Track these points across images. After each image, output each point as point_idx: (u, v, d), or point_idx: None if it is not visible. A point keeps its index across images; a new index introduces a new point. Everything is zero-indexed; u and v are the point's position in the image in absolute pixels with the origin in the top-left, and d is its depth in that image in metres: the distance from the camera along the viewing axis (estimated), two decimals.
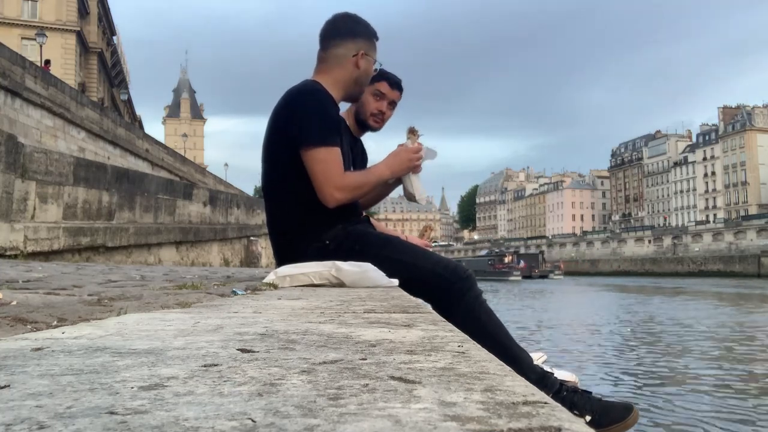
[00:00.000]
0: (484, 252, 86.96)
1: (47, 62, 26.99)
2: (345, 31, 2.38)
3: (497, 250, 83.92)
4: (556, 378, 2.11)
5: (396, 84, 2.72)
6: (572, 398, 2.02)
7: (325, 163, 2.19)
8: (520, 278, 58.63)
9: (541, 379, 2.01)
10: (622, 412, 2.03)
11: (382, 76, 2.67)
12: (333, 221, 2.28)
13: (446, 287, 2.09)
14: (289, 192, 2.32)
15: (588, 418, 1.98)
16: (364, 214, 2.56)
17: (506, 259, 68.55)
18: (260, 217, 16.99)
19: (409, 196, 2.57)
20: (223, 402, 0.53)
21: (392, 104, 2.74)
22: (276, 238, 2.40)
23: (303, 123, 2.23)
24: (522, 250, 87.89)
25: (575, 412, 1.96)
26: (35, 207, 6.30)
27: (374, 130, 2.77)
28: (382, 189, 2.64)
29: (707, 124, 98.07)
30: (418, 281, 2.14)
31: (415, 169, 2.48)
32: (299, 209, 2.30)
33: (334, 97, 2.34)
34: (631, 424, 2.03)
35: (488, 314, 2.10)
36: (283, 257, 2.36)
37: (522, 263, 67.04)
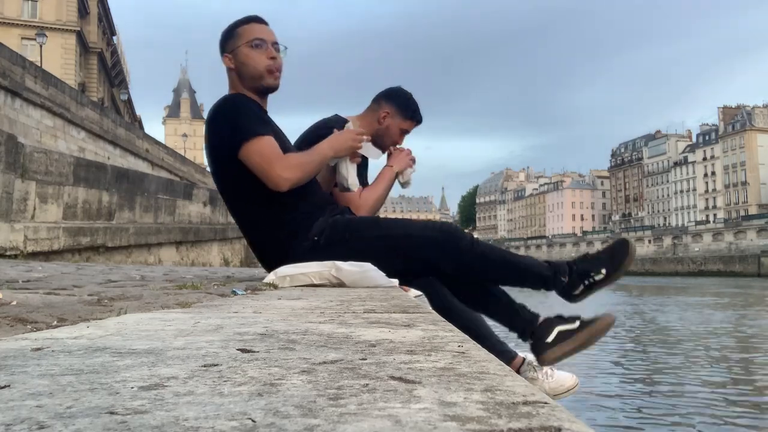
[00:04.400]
0: None
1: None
2: (220, 52, 2.45)
3: None
4: (564, 264, 2.19)
5: (419, 123, 2.85)
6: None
7: (259, 151, 2.21)
8: None
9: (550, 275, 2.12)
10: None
11: (416, 116, 2.76)
12: (312, 217, 2.28)
13: (440, 245, 2.14)
14: (253, 203, 2.32)
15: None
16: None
17: None
18: None
19: (341, 182, 2.54)
20: (223, 402, 0.53)
21: (404, 132, 2.83)
22: (259, 249, 2.41)
23: (226, 131, 2.26)
24: (522, 251, 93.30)
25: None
26: (35, 207, 6.30)
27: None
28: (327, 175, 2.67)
29: (707, 124, 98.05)
30: (414, 250, 2.18)
31: (353, 156, 2.50)
32: (273, 217, 2.29)
33: (257, 102, 2.38)
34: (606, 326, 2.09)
35: (487, 246, 2.18)
36: (272, 264, 2.33)
37: None
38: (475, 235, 2.29)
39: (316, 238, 2.25)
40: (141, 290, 2.26)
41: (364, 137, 2.48)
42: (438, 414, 0.49)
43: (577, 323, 2.07)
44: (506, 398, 0.55)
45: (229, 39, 2.41)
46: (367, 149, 2.52)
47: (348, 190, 2.53)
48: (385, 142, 2.70)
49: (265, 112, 2.42)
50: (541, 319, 2.10)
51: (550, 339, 2.04)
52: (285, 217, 2.28)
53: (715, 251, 66.81)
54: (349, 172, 2.51)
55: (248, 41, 2.35)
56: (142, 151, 25.93)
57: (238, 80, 2.39)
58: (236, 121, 2.25)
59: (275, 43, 2.39)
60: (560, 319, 2.09)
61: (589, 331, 2.06)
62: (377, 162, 2.73)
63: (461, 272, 2.14)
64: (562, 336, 2.04)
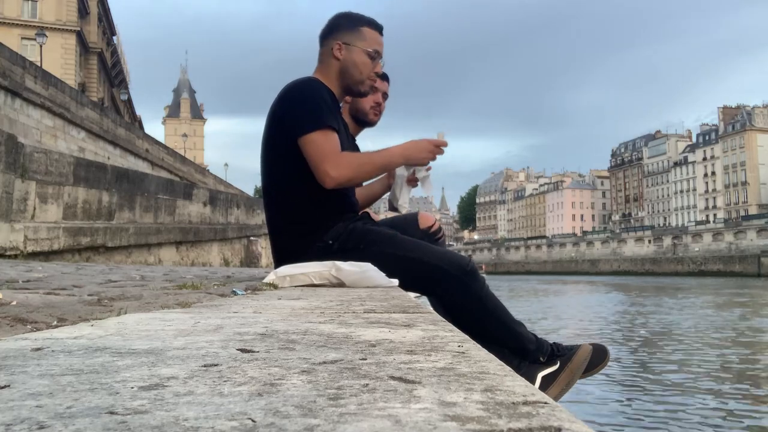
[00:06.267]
0: None
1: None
2: (328, 28, 2.41)
3: None
4: (548, 342, 2.20)
5: (384, 76, 2.74)
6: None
7: (318, 143, 2.19)
8: None
9: (539, 347, 2.14)
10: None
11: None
12: (333, 220, 2.28)
13: (450, 280, 2.11)
14: (288, 191, 2.31)
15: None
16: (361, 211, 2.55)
17: None
18: (260, 217, 16.99)
19: (393, 201, 2.54)
20: (223, 402, 0.53)
21: (384, 96, 2.76)
22: (276, 239, 2.39)
23: (296, 113, 2.25)
24: (522, 251, 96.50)
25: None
26: (35, 207, 6.30)
27: (373, 123, 2.81)
28: (377, 188, 2.67)
29: (707, 124, 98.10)
30: (424, 276, 2.16)
31: (411, 180, 2.48)
32: (299, 208, 2.29)
33: (333, 92, 2.36)
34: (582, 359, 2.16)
35: (493, 301, 2.15)
36: (283, 258, 2.35)
37: None
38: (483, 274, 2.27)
39: (330, 242, 2.24)
40: (141, 290, 2.26)
41: (443, 149, 2.38)
42: (438, 414, 0.49)
43: (558, 363, 2.12)
44: (506, 398, 0.55)
45: (349, 30, 2.37)
46: (425, 180, 2.47)
47: (396, 210, 2.54)
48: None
49: (339, 105, 2.42)
50: (523, 366, 2.09)
51: (535, 386, 2.06)
52: (312, 212, 2.28)
53: (715, 251, 66.83)
54: (402, 193, 2.50)
55: (369, 48, 2.36)
56: (142, 151, 25.91)
57: (334, 71, 2.37)
58: (309, 107, 2.24)
59: (381, 58, 2.41)
60: (541, 364, 2.12)
61: (570, 369, 2.13)
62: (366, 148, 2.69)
63: (456, 309, 2.10)
64: (546, 382, 2.09)
